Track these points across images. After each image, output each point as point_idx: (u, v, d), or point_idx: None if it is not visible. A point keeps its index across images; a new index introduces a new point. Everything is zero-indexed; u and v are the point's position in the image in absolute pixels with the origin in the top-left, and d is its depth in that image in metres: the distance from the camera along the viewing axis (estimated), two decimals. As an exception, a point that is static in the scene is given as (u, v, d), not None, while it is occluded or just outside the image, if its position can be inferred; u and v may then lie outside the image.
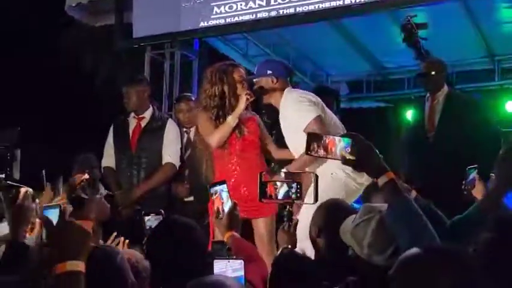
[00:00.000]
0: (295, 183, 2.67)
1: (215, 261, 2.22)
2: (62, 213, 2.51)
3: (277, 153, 4.18)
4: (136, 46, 6.04)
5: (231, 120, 3.92)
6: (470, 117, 4.49)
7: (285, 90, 3.97)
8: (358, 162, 2.11)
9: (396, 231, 1.99)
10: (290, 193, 2.67)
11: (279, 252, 2.68)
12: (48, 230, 2.44)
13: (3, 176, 2.81)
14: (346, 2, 4.88)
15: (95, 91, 7.92)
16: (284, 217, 2.80)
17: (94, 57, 8.47)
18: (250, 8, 5.25)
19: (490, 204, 2.26)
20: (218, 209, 2.80)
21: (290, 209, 2.82)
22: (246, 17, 5.26)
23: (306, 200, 2.81)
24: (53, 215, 2.46)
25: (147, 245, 2.39)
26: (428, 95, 4.70)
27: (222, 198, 2.81)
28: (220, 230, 2.78)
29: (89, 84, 8.02)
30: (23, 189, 2.66)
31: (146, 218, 2.81)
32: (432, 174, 4.21)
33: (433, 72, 4.64)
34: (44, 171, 3.06)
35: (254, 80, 4.05)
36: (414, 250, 1.60)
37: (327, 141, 2.15)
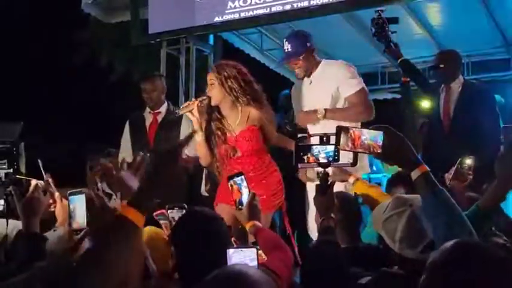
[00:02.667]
0: (332, 146, 2.57)
1: (229, 250, 2.21)
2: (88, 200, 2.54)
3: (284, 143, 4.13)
4: (152, 42, 6.09)
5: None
6: (481, 106, 4.52)
7: (331, 61, 4.19)
8: (390, 155, 2.05)
9: (431, 225, 1.95)
10: (327, 157, 2.60)
11: (318, 229, 2.58)
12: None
13: (11, 170, 2.85)
14: (360, -6, 4.90)
15: (111, 86, 8.01)
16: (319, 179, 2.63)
17: (110, 53, 8.55)
18: (265, 1, 5.27)
19: (489, 204, 2.24)
20: (236, 200, 2.82)
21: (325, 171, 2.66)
22: (261, 11, 5.28)
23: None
24: (79, 202, 2.49)
25: (172, 236, 2.43)
26: (442, 86, 4.70)
27: (241, 190, 2.83)
28: (241, 220, 2.79)
29: (106, 79, 8.10)
30: (33, 182, 2.71)
31: (169, 211, 2.84)
32: (448, 165, 4.22)
33: (441, 65, 4.66)
34: (40, 160, 3.03)
35: (296, 58, 4.01)
36: (447, 246, 1.57)
37: (355, 133, 2.08)
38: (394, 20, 4.73)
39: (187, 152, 4.57)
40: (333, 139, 2.57)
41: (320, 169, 2.57)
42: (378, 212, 2.20)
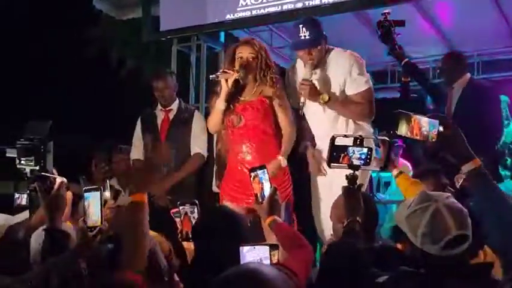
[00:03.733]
0: (366, 148, 2.62)
1: (242, 248, 2.24)
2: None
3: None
4: (163, 39, 6.12)
5: (217, 103, 3.85)
6: (482, 104, 4.54)
7: (341, 50, 3.92)
8: (446, 145, 2.09)
9: (485, 219, 1.98)
10: (360, 158, 2.63)
11: (340, 230, 2.58)
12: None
13: (37, 168, 2.90)
14: (371, -7, 4.92)
15: (121, 83, 8.06)
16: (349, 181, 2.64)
17: (121, 49, 8.60)
18: (276, 0, 5.30)
19: None
20: (258, 194, 2.80)
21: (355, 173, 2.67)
22: (272, 9, 5.31)
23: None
24: (94, 198, 2.52)
25: (192, 231, 2.45)
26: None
27: (261, 183, 2.81)
28: (261, 215, 2.76)
29: (116, 75, 8.16)
30: (58, 179, 2.76)
31: (181, 207, 2.88)
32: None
33: (444, 66, 4.82)
34: (54, 169, 3.10)
35: (314, 47, 3.77)
36: None
37: (414, 121, 2.12)
38: (401, 23, 4.74)
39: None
40: (366, 142, 2.65)
41: (350, 171, 2.60)
42: (401, 210, 2.21)
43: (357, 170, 2.62)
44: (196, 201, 3.00)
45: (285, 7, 5.26)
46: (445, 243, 2.01)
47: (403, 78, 5.42)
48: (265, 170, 2.85)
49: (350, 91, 3.81)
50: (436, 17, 6.04)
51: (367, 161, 2.62)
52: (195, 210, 2.99)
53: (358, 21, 5.85)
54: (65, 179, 2.78)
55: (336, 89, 3.81)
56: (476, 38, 6.47)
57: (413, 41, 6.62)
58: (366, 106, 3.81)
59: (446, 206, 2.06)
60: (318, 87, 3.77)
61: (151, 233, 2.66)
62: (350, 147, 2.63)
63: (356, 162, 2.61)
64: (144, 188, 2.29)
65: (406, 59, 4.85)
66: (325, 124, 3.88)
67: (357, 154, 2.62)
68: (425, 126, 2.11)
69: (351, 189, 2.60)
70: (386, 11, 4.73)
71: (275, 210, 2.70)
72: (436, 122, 2.09)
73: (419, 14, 5.85)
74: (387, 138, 2.85)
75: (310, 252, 2.49)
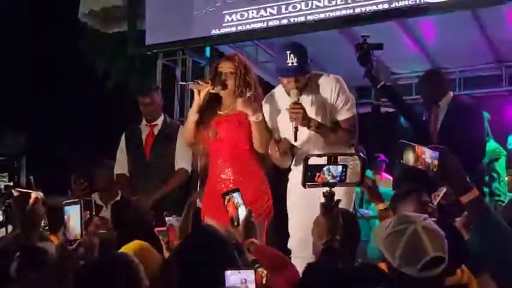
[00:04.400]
0: (340, 166, 2.62)
1: (227, 272, 2.22)
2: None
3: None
4: (149, 53, 6.13)
5: (189, 114, 3.91)
6: (467, 122, 4.59)
7: (325, 75, 3.84)
8: (446, 175, 2.16)
9: (485, 248, 2.04)
10: (335, 176, 2.61)
11: (318, 250, 2.56)
12: None
13: (11, 183, 2.88)
14: (356, 11, 4.97)
15: (107, 97, 8.05)
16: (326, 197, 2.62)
17: (107, 63, 8.59)
18: (262, 16, 5.33)
19: None
20: (232, 217, 2.78)
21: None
22: (257, 25, 5.34)
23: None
24: (74, 212, 2.50)
25: (176, 253, 2.44)
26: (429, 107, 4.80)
27: (237, 206, 2.79)
28: (237, 238, 2.75)
29: (102, 89, 8.14)
30: (33, 194, 2.74)
31: (167, 218, 2.84)
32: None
33: (427, 86, 4.83)
34: (31, 177, 3.07)
35: (303, 76, 3.64)
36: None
37: (417, 150, 2.21)
38: (379, 46, 4.79)
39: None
40: (341, 159, 2.64)
41: (326, 188, 2.60)
42: (380, 229, 2.24)
43: (333, 187, 2.63)
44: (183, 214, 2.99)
45: (270, 23, 5.29)
46: (422, 265, 2.05)
47: (375, 101, 5.46)
48: (239, 192, 2.83)
49: (337, 117, 3.72)
50: (420, 34, 6.12)
51: (342, 178, 2.63)
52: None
53: (344, 37, 5.89)
54: (41, 194, 2.76)
55: (321, 114, 3.71)
56: (459, 55, 6.55)
57: (398, 57, 6.72)
58: (353, 133, 3.75)
59: (424, 228, 2.10)
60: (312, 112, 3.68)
61: (140, 243, 2.66)
62: (325, 166, 2.65)
63: (331, 180, 2.61)
64: None
65: (382, 82, 4.87)
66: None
67: (331, 172, 2.63)
68: (427, 156, 2.18)
69: (328, 207, 2.59)
70: (366, 34, 4.76)
71: (251, 233, 2.69)
72: (437, 153, 2.16)
73: (403, 32, 5.92)
74: (362, 155, 2.87)
75: (294, 272, 2.47)
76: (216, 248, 2.32)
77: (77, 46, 8.49)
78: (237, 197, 2.82)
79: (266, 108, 3.87)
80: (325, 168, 2.62)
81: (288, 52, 3.58)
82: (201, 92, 3.83)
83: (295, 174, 3.79)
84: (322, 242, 2.55)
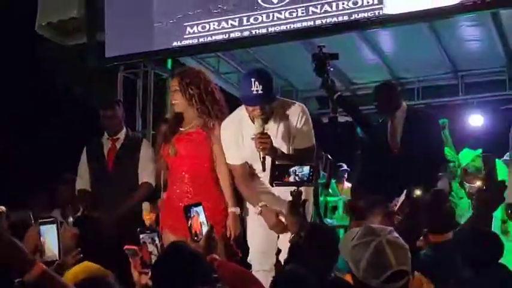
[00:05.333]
0: (308, 166, 2.65)
1: None
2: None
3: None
4: (109, 65, 6.05)
5: None
6: (426, 134, 4.68)
7: (289, 101, 3.81)
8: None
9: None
10: (302, 176, 2.66)
11: (284, 258, 2.60)
12: None
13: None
14: (317, 23, 5.02)
15: (67, 109, 7.93)
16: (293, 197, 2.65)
17: (67, 76, 8.46)
18: (223, 28, 5.33)
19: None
20: (195, 232, 2.75)
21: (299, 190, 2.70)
22: (219, 37, 5.33)
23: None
24: (50, 231, 2.42)
25: (152, 270, 2.40)
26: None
27: (198, 221, 2.77)
28: None
29: (62, 102, 8.01)
30: None
31: (141, 235, 2.77)
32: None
33: (382, 98, 4.86)
34: None
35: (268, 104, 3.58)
36: None
37: None
38: (334, 56, 4.85)
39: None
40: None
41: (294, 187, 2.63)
42: (346, 239, 2.26)
43: (301, 186, 2.67)
44: (157, 229, 2.92)
45: (232, 35, 5.29)
46: (386, 278, 2.08)
47: (331, 113, 5.51)
48: (201, 207, 2.80)
49: (297, 145, 3.66)
50: (379, 45, 6.23)
51: (309, 178, 2.66)
52: (156, 238, 2.79)
53: (305, 48, 5.95)
54: (3, 207, 2.69)
55: (285, 141, 3.66)
56: (417, 65, 6.71)
57: (357, 67, 6.83)
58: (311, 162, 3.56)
59: (388, 241, 2.15)
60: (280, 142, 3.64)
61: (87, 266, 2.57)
62: (292, 166, 2.68)
63: (298, 179, 2.68)
64: None
65: (339, 93, 4.92)
66: None
67: (299, 172, 2.67)
68: None
69: (295, 205, 2.67)
70: (322, 44, 4.81)
71: (213, 249, 2.67)
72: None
73: (363, 42, 6.02)
74: (330, 157, 2.93)
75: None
76: (190, 263, 2.29)
77: (36, 59, 8.36)
78: (199, 211, 2.80)
79: (226, 133, 3.81)
80: (292, 169, 2.67)
81: (253, 80, 3.52)
82: None
83: None
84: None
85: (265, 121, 3.55)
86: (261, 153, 3.45)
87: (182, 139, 3.93)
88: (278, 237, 3.54)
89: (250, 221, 3.88)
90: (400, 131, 4.69)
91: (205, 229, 2.73)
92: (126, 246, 2.70)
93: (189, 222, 2.77)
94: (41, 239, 2.41)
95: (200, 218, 2.78)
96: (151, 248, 2.71)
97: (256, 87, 3.48)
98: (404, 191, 3.99)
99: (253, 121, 3.59)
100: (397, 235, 2.22)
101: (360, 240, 2.17)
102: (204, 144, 3.88)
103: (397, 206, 3.95)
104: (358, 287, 2.18)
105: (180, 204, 3.66)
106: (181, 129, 3.98)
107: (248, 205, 3.90)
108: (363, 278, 2.13)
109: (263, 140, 3.44)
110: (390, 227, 2.33)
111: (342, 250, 2.25)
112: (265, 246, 3.61)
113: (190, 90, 3.90)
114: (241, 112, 3.76)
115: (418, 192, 4.44)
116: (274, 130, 3.63)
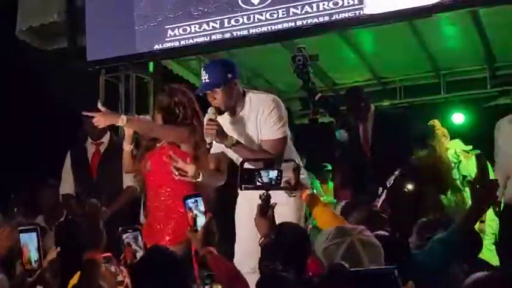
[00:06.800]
0: (276, 170, 2.69)
1: None
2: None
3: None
4: (90, 69, 6.01)
5: (123, 146, 4.05)
6: (394, 134, 4.74)
7: (260, 93, 3.78)
8: None
9: None
10: (270, 180, 2.70)
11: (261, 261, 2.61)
12: None
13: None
14: (297, 24, 5.04)
15: (48, 115, 7.86)
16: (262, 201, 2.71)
17: (47, 80, 8.39)
18: (204, 30, 5.33)
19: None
20: (194, 222, 2.72)
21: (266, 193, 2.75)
22: (201, 39, 5.33)
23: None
24: (30, 240, 2.39)
25: (134, 274, 2.39)
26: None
27: (198, 211, 2.74)
28: (195, 244, 2.69)
29: (42, 107, 7.95)
30: None
31: (124, 235, 2.73)
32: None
33: (354, 104, 4.95)
34: None
35: (213, 90, 3.52)
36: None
37: None
38: (314, 57, 4.86)
39: None
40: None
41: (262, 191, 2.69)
42: (318, 241, 2.30)
43: (269, 190, 2.73)
44: (139, 227, 2.87)
45: (213, 37, 5.29)
46: None
47: (312, 115, 5.53)
48: (201, 198, 2.77)
49: (262, 136, 3.57)
50: (360, 45, 6.26)
51: (277, 182, 2.71)
52: (139, 237, 2.75)
53: (286, 49, 5.96)
54: None
55: (253, 133, 3.59)
56: (398, 64, 6.75)
57: (339, 68, 6.86)
58: (271, 155, 3.46)
59: (360, 240, 2.18)
60: (236, 131, 3.59)
61: None
62: (260, 170, 2.73)
63: (266, 183, 2.73)
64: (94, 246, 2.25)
65: (320, 94, 4.96)
66: None
67: (267, 176, 2.73)
68: None
69: (264, 208, 2.72)
70: (302, 45, 4.82)
71: (210, 240, 2.64)
72: None
73: (344, 42, 6.04)
74: (297, 162, 2.97)
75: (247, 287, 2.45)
76: (172, 267, 2.29)
77: (14, 63, 8.28)
78: (198, 201, 2.77)
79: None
80: (260, 172, 2.71)
81: (202, 69, 3.62)
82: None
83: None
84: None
85: (232, 110, 3.58)
86: (207, 138, 3.47)
87: (155, 153, 3.97)
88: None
89: (238, 222, 3.86)
90: (370, 133, 4.74)
91: (203, 220, 2.71)
92: (103, 254, 2.62)
93: (189, 213, 2.75)
94: (22, 247, 2.36)
95: (199, 208, 2.75)
96: (134, 247, 2.69)
97: (204, 76, 3.54)
98: (384, 190, 4.04)
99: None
100: (369, 233, 2.26)
101: (332, 241, 2.22)
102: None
103: (379, 204, 4.00)
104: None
105: (155, 220, 3.87)
106: (157, 144, 4.01)
107: (238, 205, 3.88)
108: None
109: (210, 126, 3.44)
110: (362, 226, 2.36)
111: (317, 250, 2.28)
112: (250, 246, 3.59)
113: (177, 110, 3.94)
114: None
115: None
116: (244, 121, 3.61)
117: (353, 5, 4.77)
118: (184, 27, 5.40)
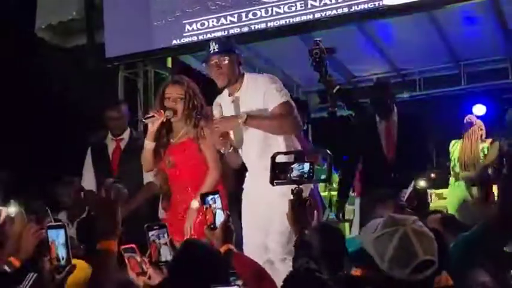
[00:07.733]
0: (308, 163, 2.62)
1: None
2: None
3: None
4: (109, 66, 6.04)
5: (145, 143, 3.90)
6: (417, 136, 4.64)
7: (257, 74, 3.87)
8: None
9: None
10: (303, 173, 2.62)
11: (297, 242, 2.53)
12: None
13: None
14: (316, 16, 5.01)
15: (68, 112, 7.91)
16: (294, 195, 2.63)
17: (67, 78, 8.45)
18: (222, 24, 5.33)
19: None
20: (210, 220, 2.69)
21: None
22: (218, 34, 5.33)
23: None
24: (59, 236, 2.37)
25: (169, 268, 2.38)
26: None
27: (215, 209, 2.71)
28: (214, 242, 2.65)
29: (62, 105, 8.00)
30: (3, 212, 2.63)
31: (150, 232, 2.71)
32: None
33: (379, 99, 4.77)
34: None
35: (218, 58, 3.51)
36: None
37: None
38: (332, 50, 4.81)
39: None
40: (308, 157, 2.67)
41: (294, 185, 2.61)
42: (366, 233, 2.20)
43: (301, 184, 2.63)
44: (166, 224, 2.85)
45: (231, 31, 5.29)
46: (412, 269, 2.03)
47: (330, 108, 5.46)
48: (218, 195, 2.75)
49: (268, 106, 3.54)
50: (379, 37, 6.21)
51: (310, 175, 2.64)
52: (165, 235, 2.71)
53: (305, 42, 5.93)
54: (9, 209, 2.65)
55: (255, 108, 3.57)
56: (417, 56, 6.69)
57: (358, 60, 6.81)
58: (285, 118, 3.51)
59: (414, 230, 2.08)
60: (238, 111, 3.58)
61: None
62: (292, 164, 2.66)
63: (299, 177, 2.62)
64: (108, 235, 2.19)
65: (338, 86, 4.89)
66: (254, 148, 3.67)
67: (300, 169, 2.64)
68: None
69: (296, 203, 2.59)
70: (318, 38, 4.78)
71: (229, 238, 2.61)
72: None
73: (363, 35, 6.00)
74: (329, 152, 2.89)
75: (273, 285, 2.41)
76: (208, 261, 2.26)
77: (32, 61, 8.35)
78: (216, 199, 2.74)
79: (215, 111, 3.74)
80: (292, 166, 2.64)
81: (211, 42, 3.61)
82: (154, 122, 3.82)
83: (248, 179, 3.75)
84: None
85: (231, 92, 3.59)
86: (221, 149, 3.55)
87: (174, 150, 3.91)
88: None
89: (245, 214, 3.77)
90: (395, 136, 4.64)
91: (221, 217, 2.67)
92: (122, 246, 2.60)
93: (206, 211, 2.72)
94: (49, 244, 2.35)
95: (217, 206, 2.72)
96: (160, 245, 2.67)
97: (213, 46, 3.54)
98: (412, 183, 3.98)
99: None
100: (421, 224, 2.17)
101: (384, 230, 2.11)
102: (196, 151, 3.87)
103: (405, 198, 3.94)
104: (381, 280, 2.12)
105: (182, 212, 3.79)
106: (171, 140, 3.95)
107: (244, 196, 3.81)
108: (389, 269, 2.06)
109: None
110: (414, 216, 2.28)
111: (364, 243, 2.18)
112: (263, 238, 3.57)
113: (196, 100, 3.87)
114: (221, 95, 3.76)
115: (422, 183, 4.46)
116: (243, 99, 3.60)
117: (372, -5, 4.74)
118: (202, 21, 5.40)
